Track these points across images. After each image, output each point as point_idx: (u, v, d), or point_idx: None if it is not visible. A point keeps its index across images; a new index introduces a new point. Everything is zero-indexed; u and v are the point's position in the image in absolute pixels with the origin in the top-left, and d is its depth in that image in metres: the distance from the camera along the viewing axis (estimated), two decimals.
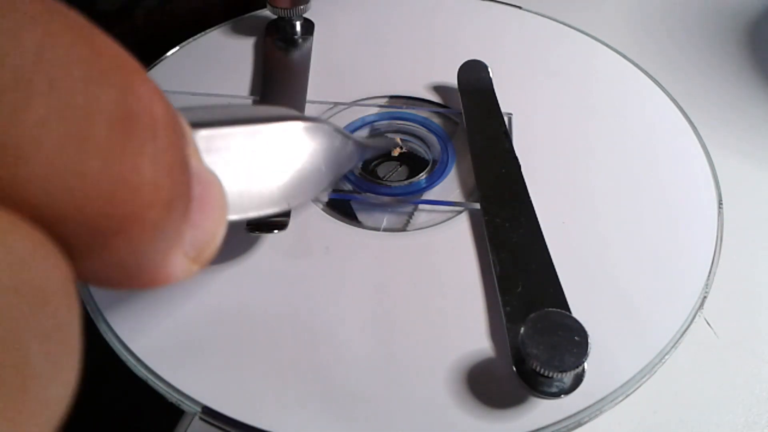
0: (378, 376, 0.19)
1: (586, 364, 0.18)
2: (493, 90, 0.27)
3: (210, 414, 0.18)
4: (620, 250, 0.23)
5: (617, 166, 0.26)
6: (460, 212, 0.24)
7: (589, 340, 0.18)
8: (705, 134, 0.27)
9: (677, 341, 0.20)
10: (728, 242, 0.23)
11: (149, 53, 0.30)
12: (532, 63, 0.30)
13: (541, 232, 0.22)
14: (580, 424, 0.18)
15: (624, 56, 0.31)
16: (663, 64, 0.34)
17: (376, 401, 0.19)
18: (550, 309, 0.19)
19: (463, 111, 0.27)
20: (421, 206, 0.24)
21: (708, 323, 0.24)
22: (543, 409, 0.18)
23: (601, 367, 0.19)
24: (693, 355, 0.23)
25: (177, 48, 0.30)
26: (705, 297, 0.21)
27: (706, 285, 0.22)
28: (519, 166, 0.24)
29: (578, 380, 0.18)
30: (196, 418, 0.19)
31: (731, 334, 0.24)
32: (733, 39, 0.37)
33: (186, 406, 0.19)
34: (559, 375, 0.17)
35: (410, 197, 0.24)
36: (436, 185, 0.25)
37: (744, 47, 0.36)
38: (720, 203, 0.24)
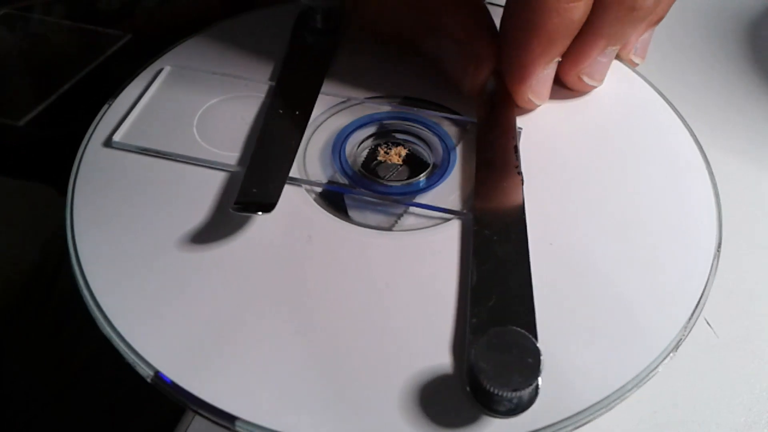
0: (330, 375, 0.19)
1: (538, 385, 0.17)
2: (514, 102, 0.27)
3: (161, 381, 0.19)
4: (620, 250, 0.23)
5: (613, 165, 0.26)
6: (448, 219, 0.23)
7: (541, 365, 0.17)
8: (705, 134, 0.27)
9: (677, 341, 0.20)
10: (728, 242, 0.23)
11: (149, 53, 0.30)
12: None
13: (527, 252, 0.21)
14: (577, 426, 0.18)
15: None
16: (662, 63, 0.34)
17: (320, 402, 0.18)
18: (511, 327, 0.18)
19: (477, 118, 0.27)
20: (411, 209, 0.24)
21: (708, 323, 0.24)
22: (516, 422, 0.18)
23: (601, 367, 0.19)
24: (693, 355, 0.23)
25: (208, 27, 0.31)
26: (705, 297, 0.21)
27: (706, 285, 0.22)
28: (522, 182, 0.24)
29: (529, 402, 0.18)
30: (197, 418, 0.19)
31: (731, 334, 0.24)
32: (733, 39, 0.37)
33: (141, 369, 0.19)
34: (506, 393, 0.17)
35: (403, 198, 0.24)
36: (431, 190, 0.25)
37: (744, 47, 0.36)
38: (719, 203, 0.24)
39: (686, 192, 0.25)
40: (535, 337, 0.19)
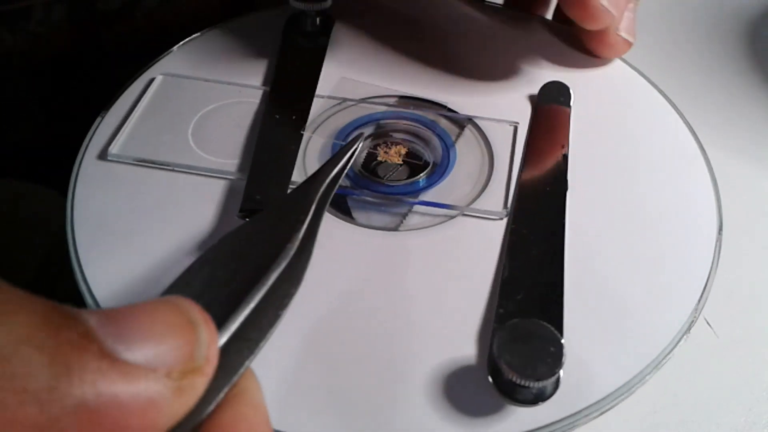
0: (353, 374, 0.19)
1: (561, 374, 0.18)
2: (570, 113, 0.27)
3: None
4: (621, 251, 0.23)
5: (613, 166, 0.26)
6: (453, 216, 0.24)
7: (563, 351, 0.17)
8: (705, 134, 0.27)
9: (678, 342, 0.20)
10: (728, 242, 0.23)
11: (149, 53, 0.30)
12: None
13: (563, 253, 0.22)
14: (575, 426, 0.18)
15: (622, 58, 0.30)
16: (662, 63, 0.34)
17: (349, 400, 0.19)
18: (531, 319, 0.18)
19: (530, 123, 0.27)
20: (415, 208, 0.24)
21: (708, 323, 0.24)
22: (536, 411, 0.18)
23: (602, 367, 0.19)
24: (693, 355, 0.23)
25: (198, 34, 0.31)
26: (705, 297, 0.21)
27: (706, 285, 0.22)
28: (566, 188, 0.24)
29: (551, 390, 0.18)
30: None
31: (731, 334, 0.24)
32: (733, 39, 0.37)
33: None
34: (531, 383, 0.17)
35: (406, 197, 0.24)
36: (434, 187, 0.25)
37: (744, 47, 0.36)
38: (719, 203, 0.24)
39: (687, 192, 0.25)
40: (561, 330, 0.19)
